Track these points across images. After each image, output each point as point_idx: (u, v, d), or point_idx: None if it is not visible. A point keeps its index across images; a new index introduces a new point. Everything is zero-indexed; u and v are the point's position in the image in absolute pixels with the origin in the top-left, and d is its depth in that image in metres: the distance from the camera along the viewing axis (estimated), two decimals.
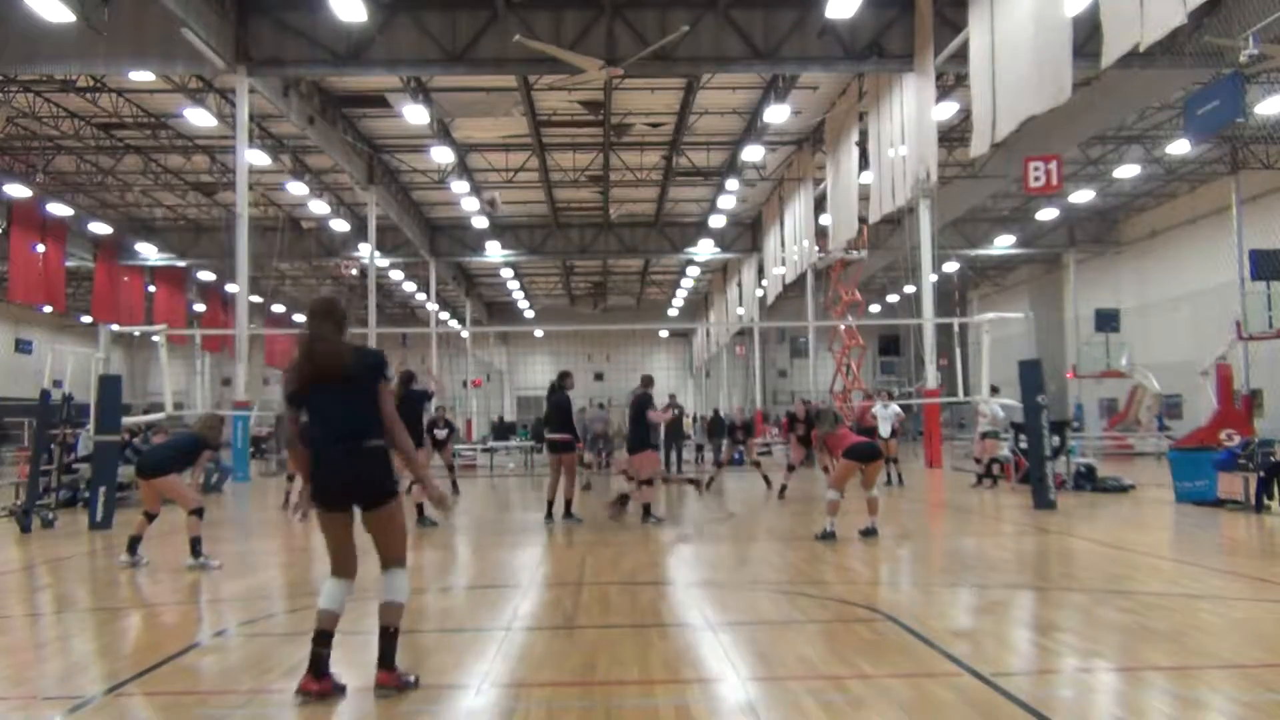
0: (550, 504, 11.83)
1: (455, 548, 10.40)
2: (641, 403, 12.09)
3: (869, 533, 9.74)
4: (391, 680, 4.51)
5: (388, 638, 4.53)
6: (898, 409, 17.99)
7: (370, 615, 4.84)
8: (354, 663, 4.94)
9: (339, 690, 4.47)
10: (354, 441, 4.46)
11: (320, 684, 4.41)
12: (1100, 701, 4.45)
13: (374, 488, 4.51)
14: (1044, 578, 7.89)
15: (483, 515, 13.92)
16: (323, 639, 4.45)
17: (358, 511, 4.56)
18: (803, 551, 8.85)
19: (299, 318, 52.04)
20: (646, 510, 11.55)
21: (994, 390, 15.47)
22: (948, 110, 22.60)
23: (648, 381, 12.53)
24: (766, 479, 16.87)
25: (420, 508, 11.81)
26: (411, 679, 4.60)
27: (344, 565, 4.61)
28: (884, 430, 17.37)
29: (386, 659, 4.52)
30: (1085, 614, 6.19)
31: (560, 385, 12.27)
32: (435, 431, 15.84)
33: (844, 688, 4.49)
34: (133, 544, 8.56)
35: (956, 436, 35.20)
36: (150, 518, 8.71)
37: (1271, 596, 6.65)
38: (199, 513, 8.62)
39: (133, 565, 8.50)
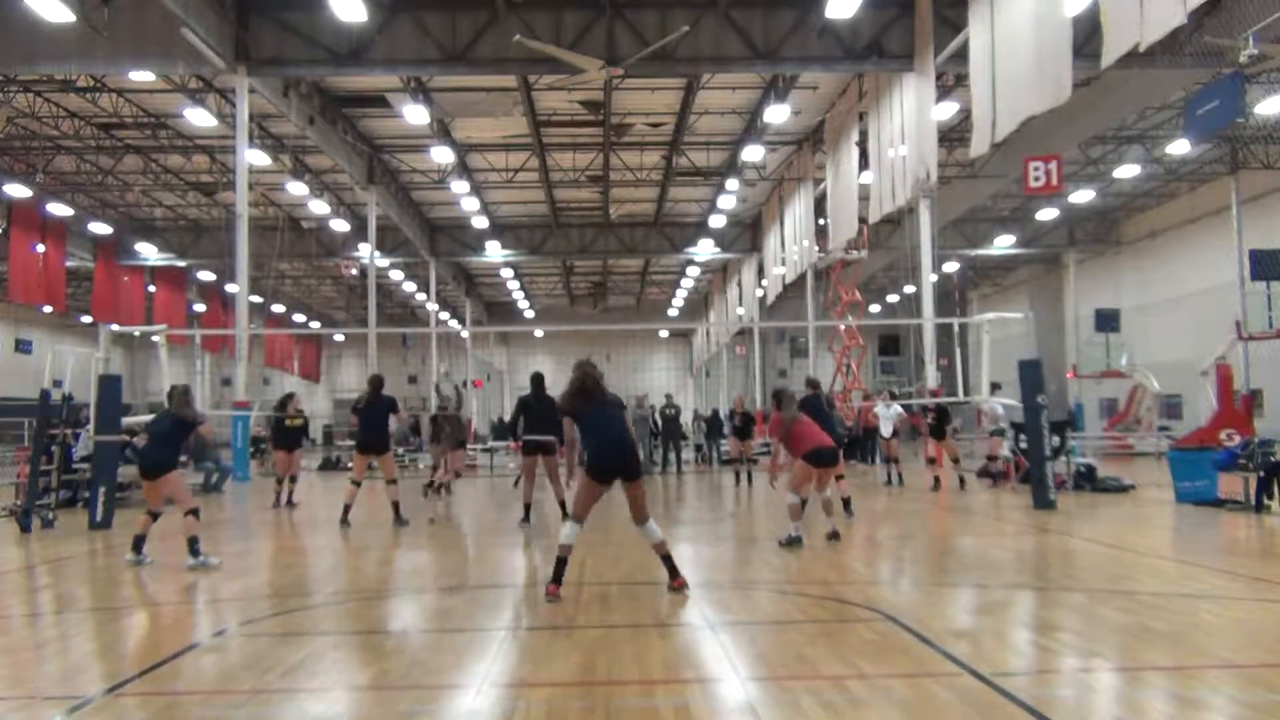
0: (528, 507, 11.62)
1: (455, 548, 10.40)
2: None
3: (833, 536, 9.37)
4: (680, 583, 6.73)
5: (667, 559, 6.82)
6: (900, 409, 17.98)
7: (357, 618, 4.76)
8: (355, 663, 4.93)
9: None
10: (629, 440, 6.87)
11: (558, 588, 6.57)
12: (1100, 701, 4.45)
13: (637, 467, 6.84)
14: (1044, 578, 7.88)
15: (483, 515, 13.92)
16: (563, 562, 6.59)
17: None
18: (803, 551, 8.84)
19: (299, 317, 52.09)
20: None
21: (995, 388, 15.47)
22: (948, 110, 22.61)
23: (538, 380, 11.94)
24: (738, 475, 17.50)
25: (396, 506, 11.86)
26: (685, 587, 6.70)
27: (584, 516, 6.77)
28: (885, 430, 17.38)
29: (674, 572, 6.77)
30: (1085, 614, 6.19)
31: (539, 385, 12.04)
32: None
33: (844, 688, 4.48)
34: (138, 543, 8.57)
35: (959, 436, 35.25)
36: (154, 517, 8.72)
37: (1271, 596, 6.65)
38: (195, 513, 8.63)
39: (138, 564, 8.52)
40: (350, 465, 14.83)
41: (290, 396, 16.30)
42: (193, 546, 8.46)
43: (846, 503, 11.35)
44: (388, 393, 12.41)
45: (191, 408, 9.09)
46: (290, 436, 15.53)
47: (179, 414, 8.90)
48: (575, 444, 7.31)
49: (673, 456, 22.48)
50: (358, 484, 12.22)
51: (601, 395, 6.97)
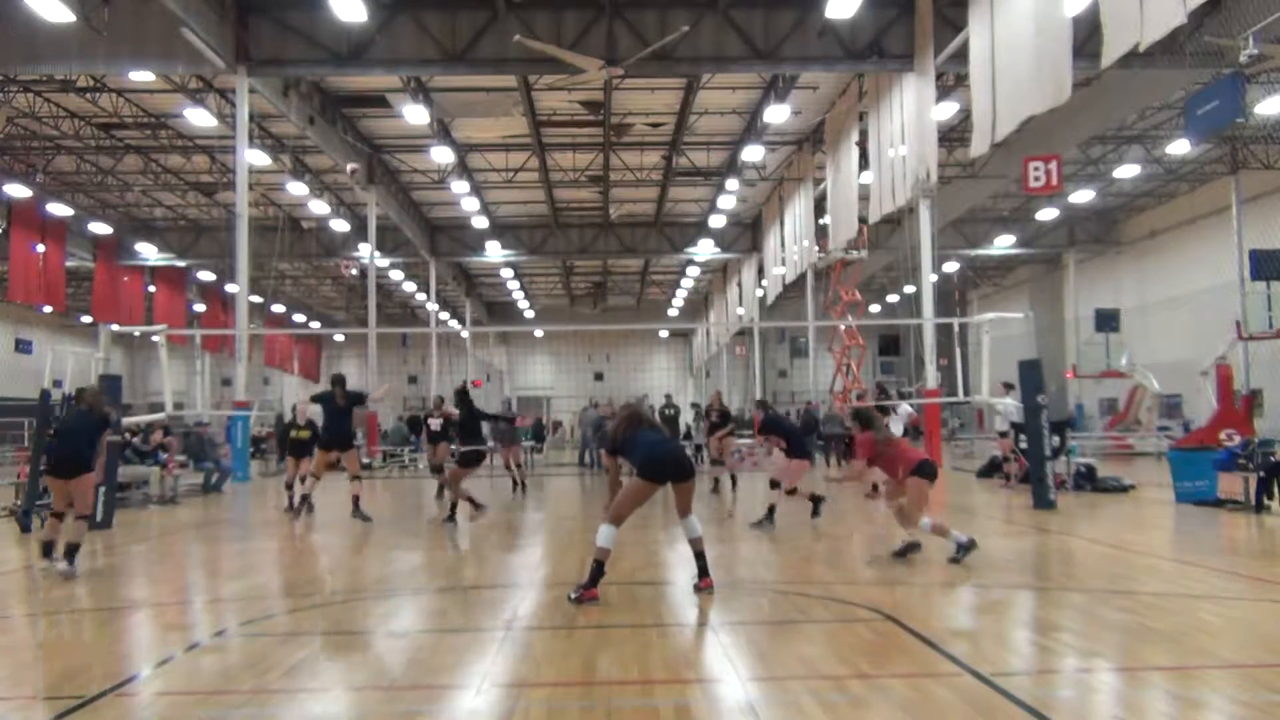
0: (454, 506, 11.80)
1: (455, 548, 10.40)
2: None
3: (913, 548, 8.51)
4: (708, 584, 6.77)
5: (700, 556, 6.86)
6: (909, 408, 17.97)
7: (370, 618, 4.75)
8: (355, 663, 4.93)
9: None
10: (681, 449, 7.55)
11: (595, 592, 6.53)
12: (1100, 701, 4.45)
13: (690, 472, 7.04)
14: (1044, 578, 7.89)
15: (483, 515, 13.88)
16: (601, 566, 6.57)
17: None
18: (803, 551, 8.84)
19: (299, 317, 52.08)
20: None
21: (1008, 388, 15.45)
22: (948, 110, 22.61)
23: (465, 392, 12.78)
24: (716, 481, 16.69)
25: (356, 500, 11.96)
26: (712, 585, 6.76)
27: (623, 521, 6.82)
28: (896, 429, 17.38)
29: (704, 571, 6.82)
30: (1085, 614, 6.19)
31: (465, 393, 12.70)
32: (430, 421, 15.49)
33: (844, 688, 4.48)
34: (47, 549, 8.04)
35: (958, 436, 35.25)
36: (59, 517, 8.16)
37: (1271, 596, 6.65)
38: (89, 519, 8.16)
39: (64, 574, 7.87)
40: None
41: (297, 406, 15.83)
42: (71, 552, 7.90)
43: (817, 503, 11.14)
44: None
45: (105, 403, 8.61)
46: (299, 447, 14.68)
47: (98, 409, 8.34)
48: (618, 473, 7.46)
49: None
50: (317, 478, 12.53)
51: (649, 422, 7.34)
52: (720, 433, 16.19)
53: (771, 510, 10.95)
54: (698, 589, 6.77)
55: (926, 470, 8.24)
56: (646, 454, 6.86)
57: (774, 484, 11.43)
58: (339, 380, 12.67)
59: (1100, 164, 29.40)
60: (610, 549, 6.68)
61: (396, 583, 8.16)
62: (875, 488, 11.91)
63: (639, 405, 7.69)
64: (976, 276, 47.57)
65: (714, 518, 12.72)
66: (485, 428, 14.83)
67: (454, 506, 11.81)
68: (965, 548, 7.92)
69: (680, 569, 8.40)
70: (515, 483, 17.00)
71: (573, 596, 6.54)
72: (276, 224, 31.11)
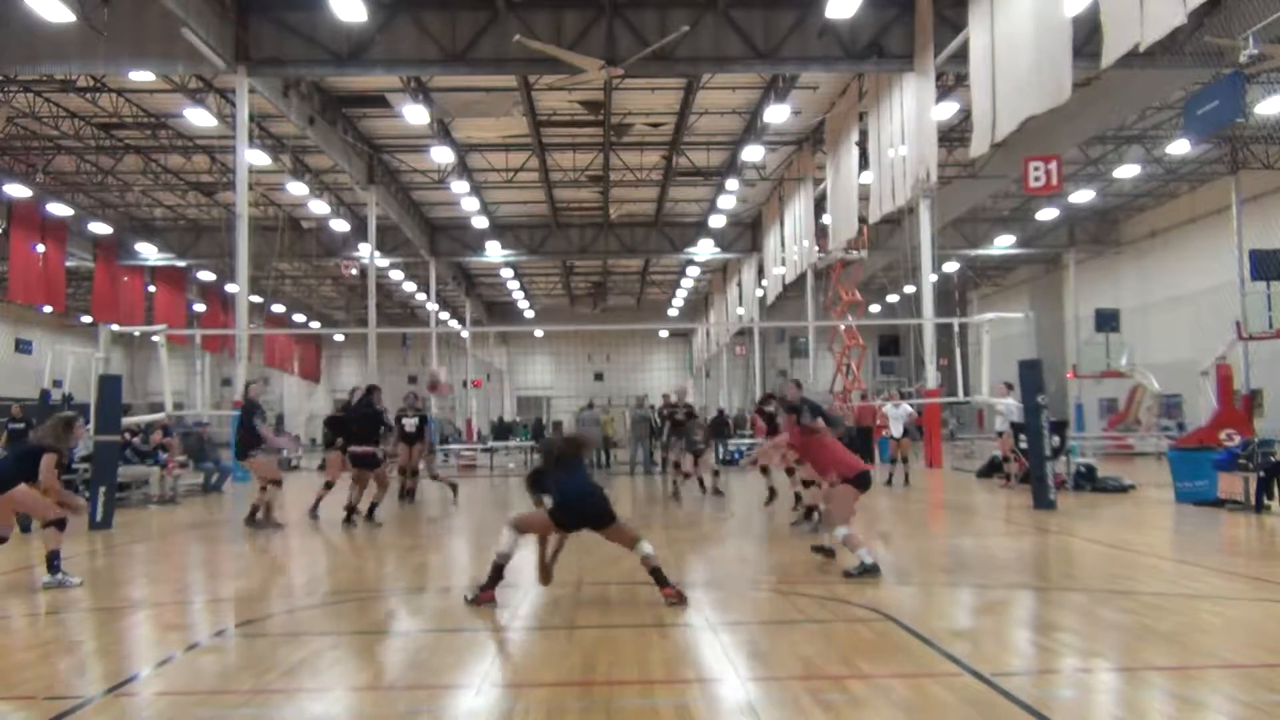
0: (352, 509, 11.87)
1: (455, 548, 10.40)
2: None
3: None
4: (671, 593, 6.43)
5: (655, 572, 6.52)
6: (910, 408, 17.99)
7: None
8: (355, 663, 4.93)
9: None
10: (597, 501, 6.68)
11: (491, 594, 6.47)
12: (1100, 701, 4.45)
13: (605, 521, 6.63)
14: (1044, 578, 7.89)
15: (482, 516, 13.90)
16: (500, 570, 6.49)
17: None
18: (803, 552, 8.83)
19: (299, 318, 52.09)
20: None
21: (1009, 388, 15.46)
22: (948, 110, 22.59)
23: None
24: (675, 485, 15.48)
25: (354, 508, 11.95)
26: (675, 594, 6.44)
27: (525, 534, 6.65)
28: (895, 430, 17.43)
29: (662, 582, 6.49)
30: (1085, 614, 6.19)
31: (369, 397, 12.58)
32: (404, 421, 14.21)
33: (844, 688, 4.48)
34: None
35: (959, 435, 35.24)
36: (2, 540, 7.75)
37: (1271, 596, 6.65)
38: (60, 524, 7.65)
39: (44, 583, 7.55)
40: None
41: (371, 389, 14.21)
42: (51, 561, 7.52)
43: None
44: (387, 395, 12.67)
45: (66, 439, 8.03)
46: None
47: (43, 442, 7.86)
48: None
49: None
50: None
51: (576, 458, 6.86)
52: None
53: (810, 511, 10.61)
54: (669, 601, 6.39)
55: (861, 481, 7.80)
56: (560, 501, 6.57)
57: (807, 484, 10.87)
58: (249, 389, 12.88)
59: (1100, 164, 29.38)
60: (510, 554, 6.49)
61: (396, 583, 8.16)
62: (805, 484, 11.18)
63: (581, 436, 7.31)
64: (976, 276, 47.57)
65: (710, 518, 12.72)
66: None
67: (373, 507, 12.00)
68: (868, 569, 7.33)
69: (680, 569, 8.40)
70: (403, 491, 15.00)
71: (469, 598, 6.54)
72: (276, 224, 31.11)
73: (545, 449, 7.17)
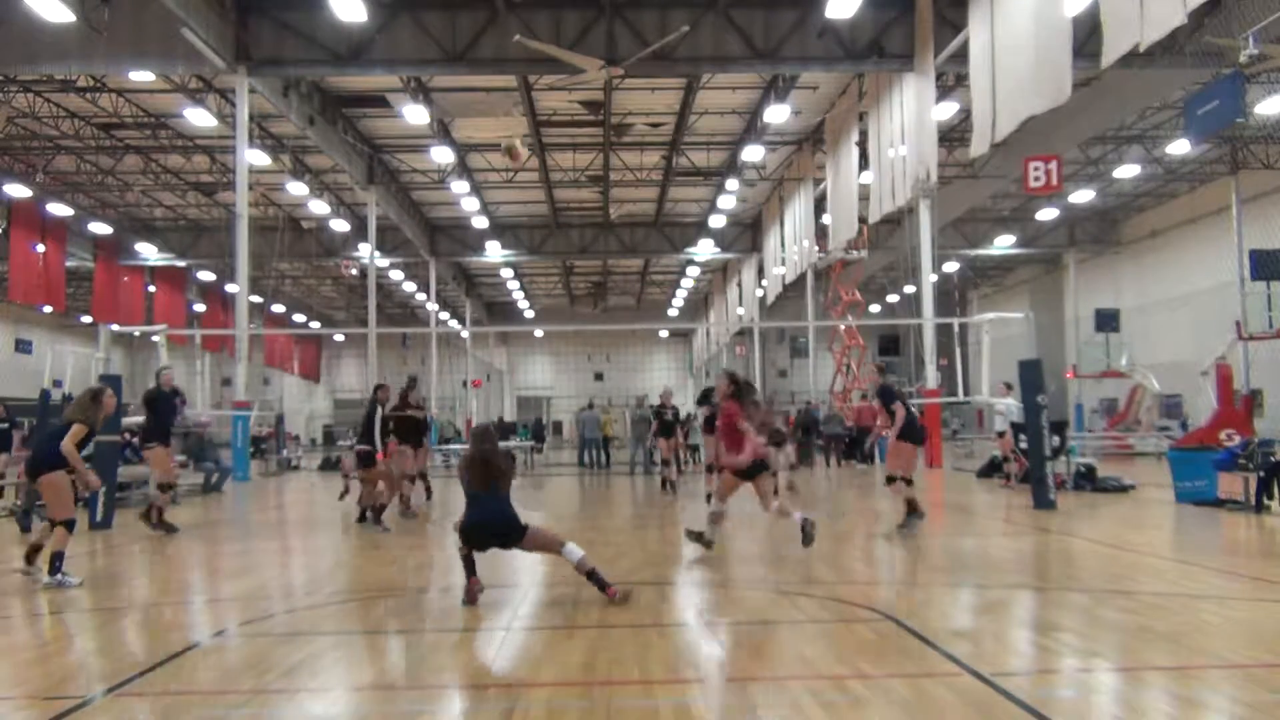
0: (365, 511, 11.41)
1: (454, 548, 10.39)
2: None
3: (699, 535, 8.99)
4: (614, 592, 6.39)
5: (593, 575, 6.46)
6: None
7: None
8: (355, 663, 4.92)
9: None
10: (502, 521, 6.72)
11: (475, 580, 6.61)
12: (1100, 701, 4.45)
13: (513, 539, 6.71)
14: (1044, 578, 7.88)
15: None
16: (469, 558, 6.67)
17: None
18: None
19: (299, 317, 52.12)
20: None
21: (1009, 388, 15.46)
22: (948, 110, 22.61)
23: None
24: (664, 482, 16.39)
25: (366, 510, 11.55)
26: (626, 590, 6.48)
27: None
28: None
29: (601, 586, 6.42)
30: (1085, 614, 6.19)
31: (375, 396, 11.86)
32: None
33: (844, 688, 4.48)
34: (31, 554, 7.75)
35: (958, 436, 35.23)
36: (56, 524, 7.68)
37: (1271, 596, 6.65)
38: (69, 525, 7.59)
39: (36, 580, 7.57)
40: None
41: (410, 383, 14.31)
42: (55, 562, 7.45)
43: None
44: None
45: (95, 412, 7.92)
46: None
47: (73, 417, 7.82)
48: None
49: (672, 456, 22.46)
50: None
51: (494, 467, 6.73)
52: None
53: (912, 507, 10.18)
54: (612, 601, 6.37)
55: (751, 470, 8.56)
56: (466, 519, 6.67)
57: (891, 479, 10.46)
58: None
59: (1100, 164, 29.40)
60: (465, 548, 6.70)
61: (396, 583, 8.16)
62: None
63: (483, 447, 6.85)
64: (976, 276, 47.60)
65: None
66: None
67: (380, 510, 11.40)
68: (700, 536, 8.62)
69: (680, 569, 8.41)
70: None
71: (464, 601, 6.52)
72: (276, 224, 31.13)
73: (461, 473, 6.94)
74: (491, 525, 6.61)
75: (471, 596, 6.51)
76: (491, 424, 7.17)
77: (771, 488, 8.88)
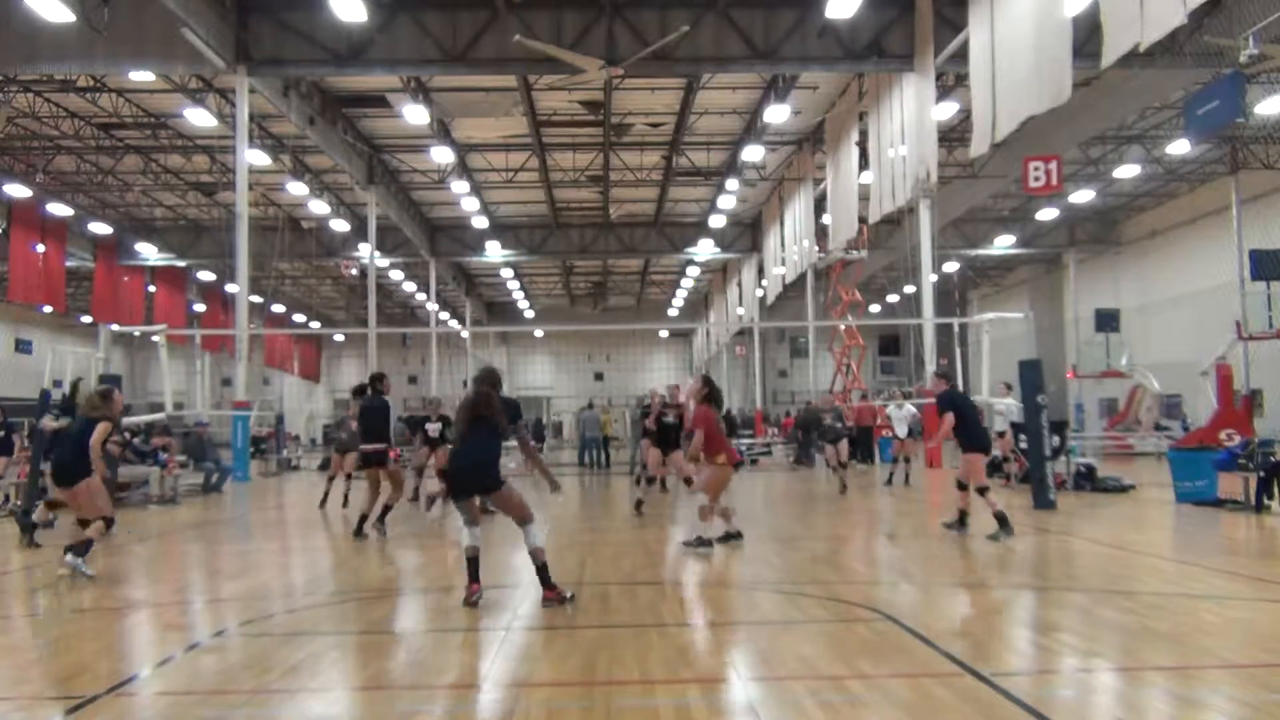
0: (363, 518, 10.67)
1: (455, 548, 10.38)
2: None
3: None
4: (553, 595, 6.33)
5: (541, 569, 6.39)
6: (913, 409, 17.97)
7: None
8: (355, 663, 4.92)
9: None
10: (476, 461, 6.59)
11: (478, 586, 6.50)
12: (1100, 701, 4.45)
13: (488, 486, 6.64)
14: (1044, 578, 7.88)
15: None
16: (474, 561, 6.55)
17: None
18: (803, 551, 8.84)
19: (299, 317, 52.11)
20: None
21: (1009, 388, 15.45)
22: (948, 110, 22.60)
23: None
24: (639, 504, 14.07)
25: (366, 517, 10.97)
26: (568, 594, 6.37)
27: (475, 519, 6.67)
28: (900, 431, 17.44)
29: (544, 583, 6.38)
30: (1085, 614, 6.19)
31: (375, 389, 11.22)
32: (427, 427, 14.31)
33: (844, 688, 4.48)
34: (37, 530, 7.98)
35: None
36: (53, 505, 8.04)
37: (1271, 596, 6.65)
38: (109, 522, 7.90)
39: (63, 566, 7.75)
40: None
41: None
42: (85, 547, 7.76)
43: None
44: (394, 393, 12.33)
45: (108, 408, 8.12)
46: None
47: (90, 415, 8.01)
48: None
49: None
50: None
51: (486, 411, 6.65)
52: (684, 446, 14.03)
53: (963, 515, 9.82)
54: (545, 602, 6.35)
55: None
56: (450, 460, 6.70)
57: (961, 485, 9.89)
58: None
59: (1100, 164, 29.38)
60: (470, 545, 6.65)
61: (397, 583, 8.16)
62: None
63: (480, 388, 6.74)
64: (976, 276, 47.58)
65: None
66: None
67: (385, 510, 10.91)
68: (704, 543, 8.83)
69: (680, 569, 8.40)
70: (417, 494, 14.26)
71: (465, 601, 6.50)
72: (276, 224, 31.13)
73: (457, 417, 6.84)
74: (471, 466, 6.53)
75: (471, 600, 6.49)
76: (496, 369, 7.12)
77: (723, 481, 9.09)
